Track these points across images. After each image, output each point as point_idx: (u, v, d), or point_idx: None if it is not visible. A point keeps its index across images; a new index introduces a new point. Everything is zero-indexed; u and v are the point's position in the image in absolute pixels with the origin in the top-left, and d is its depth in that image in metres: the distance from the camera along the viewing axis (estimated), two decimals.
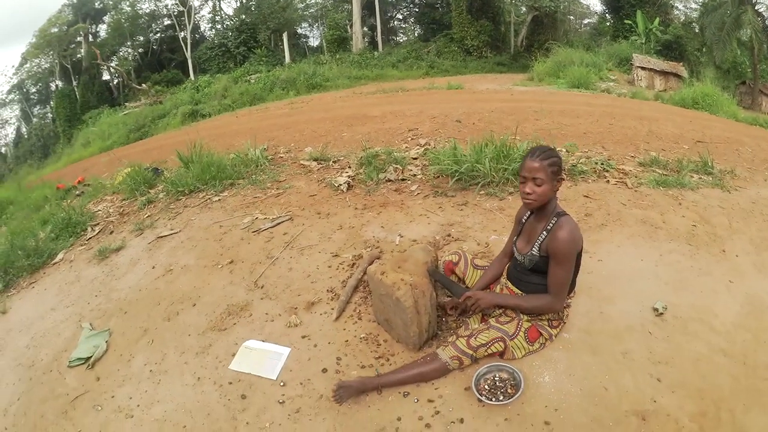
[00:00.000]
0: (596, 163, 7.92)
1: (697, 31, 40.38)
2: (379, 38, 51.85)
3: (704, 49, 36.88)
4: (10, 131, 68.08)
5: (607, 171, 7.75)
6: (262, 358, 4.72)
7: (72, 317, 6.69)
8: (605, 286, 4.90)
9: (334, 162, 9.47)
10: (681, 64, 30.98)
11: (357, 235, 6.49)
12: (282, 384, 4.38)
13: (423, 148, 9.34)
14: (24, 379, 5.83)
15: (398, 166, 8.42)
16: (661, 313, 4.51)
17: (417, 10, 61.34)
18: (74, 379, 5.44)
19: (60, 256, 8.79)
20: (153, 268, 7.13)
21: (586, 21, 59.73)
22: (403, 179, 8.04)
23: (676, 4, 45.52)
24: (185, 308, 5.87)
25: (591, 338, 4.28)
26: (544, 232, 3.96)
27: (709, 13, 34.09)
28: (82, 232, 9.50)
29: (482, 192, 7.14)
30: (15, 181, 25.84)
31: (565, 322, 4.28)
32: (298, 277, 5.85)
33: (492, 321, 4.21)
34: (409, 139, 10.40)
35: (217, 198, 8.85)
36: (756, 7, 32.64)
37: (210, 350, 5.05)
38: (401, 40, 59.26)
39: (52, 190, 14.74)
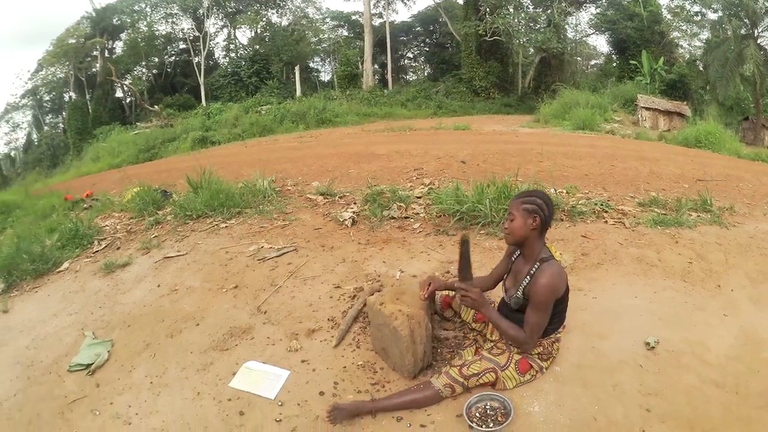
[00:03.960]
0: (595, 204, 8.05)
1: (701, 69, 40.48)
2: (389, 76, 52.23)
3: (708, 87, 37.06)
4: (20, 135, 67.90)
5: (606, 212, 7.87)
6: (261, 378, 4.84)
7: (74, 325, 6.88)
8: (598, 322, 5.00)
9: (340, 197, 9.66)
10: (685, 103, 31.08)
11: (359, 268, 6.65)
12: (280, 404, 4.49)
13: (427, 188, 9.52)
14: (22, 378, 5.97)
15: (402, 204, 8.57)
16: (653, 348, 4.60)
17: (427, 49, 61.91)
18: (73, 383, 5.58)
19: (65, 265, 8.96)
20: (158, 286, 7.32)
21: (593, 62, 60.17)
22: (406, 217, 8.21)
23: (680, 43, 45.60)
24: (188, 327, 6.04)
25: (582, 372, 4.38)
26: (528, 277, 4.14)
27: (713, 50, 34.28)
28: (89, 245, 9.66)
29: (482, 231, 7.27)
30: (22, 186, 26.55)
31: (554, 357, 4.40)
32: (300, 305, 6.01)
33: (484, 353, 4.34)
34: (414, 178, 10.60)
35: (224, 225, 9.01)
36: (758, 41, 32.84)
37: (211, 368, 5.19)
38: (411, 79, 59.52)
39: (60, 200, 14.88)
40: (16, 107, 64.69)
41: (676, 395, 4.15)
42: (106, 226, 10.68)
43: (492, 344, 4.48)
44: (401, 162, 12.15)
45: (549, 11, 42.92)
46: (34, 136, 64.80)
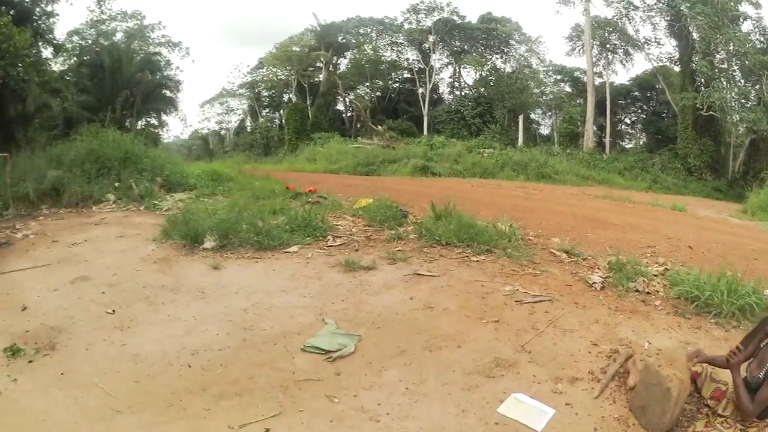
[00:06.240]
0: None
1: None
2: (607, 140, 51.15)
3: None
4: (233, 119, 74.13)
5: None
6: (529, 411, 5.28)
7: (309, 308, 7.72)
8: None
9: (583, 259, 10.15)
10: None
11: (611, 332, 7.09)
12: None
13: (662, 267, 9.74)
14: (234, 337, 6.78)
15: (645, 279, 8.84)
16: None
17: (644, 116, 59.41)
18: (305, 362, 6.21)
19: (294, 248, 10.00)
20: (411, 299, 8.06)
21: None
22: (648, 292, 8.49)
23: None
24: (448, 346, 6.60)
25: None
26: None
27: None
28: (322, 238, 10.65)
29: (712, 320, 7.53)
30: (235, 163, 29.02)
31: None
32: (562, 353, 6.50)
33: (717, 425, 5.12)
34: (648, 255, 10.80)
35: (475, 259, 9.74)
36: None
37: (477, 390, 5.65)
38: (627, 146, 57.69)
39: (280, 187, 16.42)
40: (232, 94, 70.58)
41: None
42: (339, 225, 11.70)
43: (722, 419, 5.12)
44: (634, 235, 12.65)
45: (758, 86, 39.89)
46: (248, 123, 70.10)
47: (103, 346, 6.59)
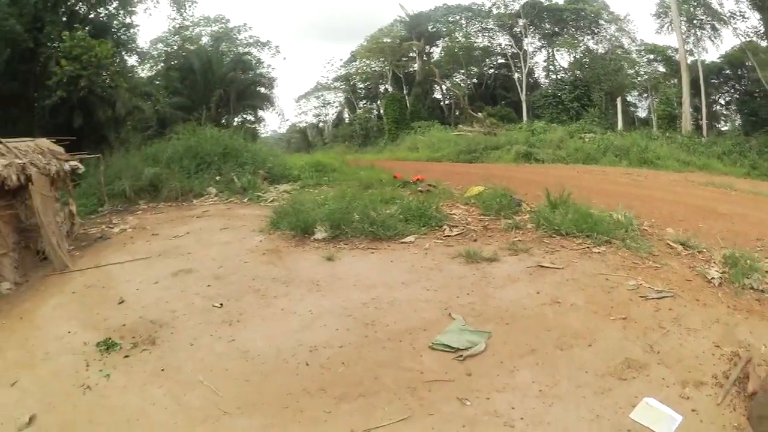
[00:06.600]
0: None
1: None
2: (703, 122, 49.16)
3: None
4: (330, 112, 75.20)
5: None
6: (659, 417, 5.25)
7: (434, 301, 7.68)
8: None
9: (699, 252, 9.85)
10: None
11: (731, 333, 6.88)
12: None
13: None
14: (355, 333, 6.79)
15: (759, 276, 8.51)
16: None
17: (737, 96, 57.71)
18: (434, 361, 6.15)
19: (410, 239, 10.21)
20: (537, 293, 7.98)
21: None
22: (761, 290, 8.20)
23: None
24: (579, 345, 6.53)
25: None
26: None
27: None
28: (438, 227, 10.76)
29: None
30: (338, 154, 30.74)
31: None
32: (688, 354, 6.36)
33: None
34: (758, 249, 10.32)
35: (596, 250, 9.70)
36: None
37: (609, 394, 5.60)
38: (723, 128, 55.34)
39: (387, 176, 16.77)
40: (327, 87, 72.06)
41: None
42: (454, 214, 11.82)
43: None
44: (743, 227, 12.25)
45: None
46: (345, 115, 71.23)
47: (209, 341, 6.87)
